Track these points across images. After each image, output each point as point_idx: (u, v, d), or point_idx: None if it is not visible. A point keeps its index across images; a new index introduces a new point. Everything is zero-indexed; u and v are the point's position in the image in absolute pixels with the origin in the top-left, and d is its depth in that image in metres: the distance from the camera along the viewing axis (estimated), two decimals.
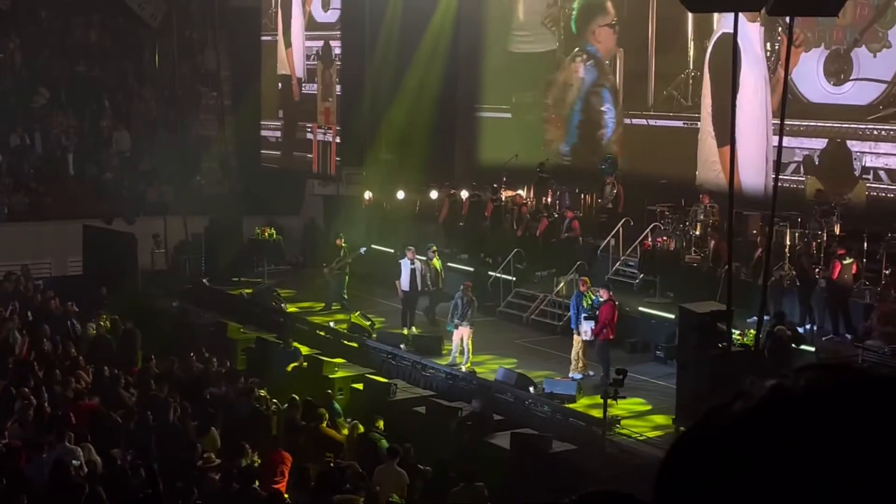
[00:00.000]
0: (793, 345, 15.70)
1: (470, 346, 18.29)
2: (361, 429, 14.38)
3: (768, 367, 15.51)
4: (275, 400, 15.67)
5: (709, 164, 22.73)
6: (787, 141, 20.93)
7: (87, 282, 23.57)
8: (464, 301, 18.40)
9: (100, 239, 24.84)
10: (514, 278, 21.92)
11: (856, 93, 20.42)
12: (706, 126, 22.85)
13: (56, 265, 25.99)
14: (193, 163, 29.39)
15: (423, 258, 20.80)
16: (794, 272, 18.61)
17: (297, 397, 15.32)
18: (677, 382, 15.75)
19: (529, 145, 25.89)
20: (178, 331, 20.64)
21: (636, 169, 23.58)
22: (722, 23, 21.46)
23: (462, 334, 18.32)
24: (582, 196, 23.72)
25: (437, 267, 20.81)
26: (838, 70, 20.64)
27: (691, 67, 23.40)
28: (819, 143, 21.06)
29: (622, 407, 15.69)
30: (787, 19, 15.52)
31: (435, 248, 21.14)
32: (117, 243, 24.19)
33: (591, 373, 17.57)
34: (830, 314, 17.98)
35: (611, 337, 17.31)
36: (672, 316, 17.92)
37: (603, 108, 25.42)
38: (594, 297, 17.62)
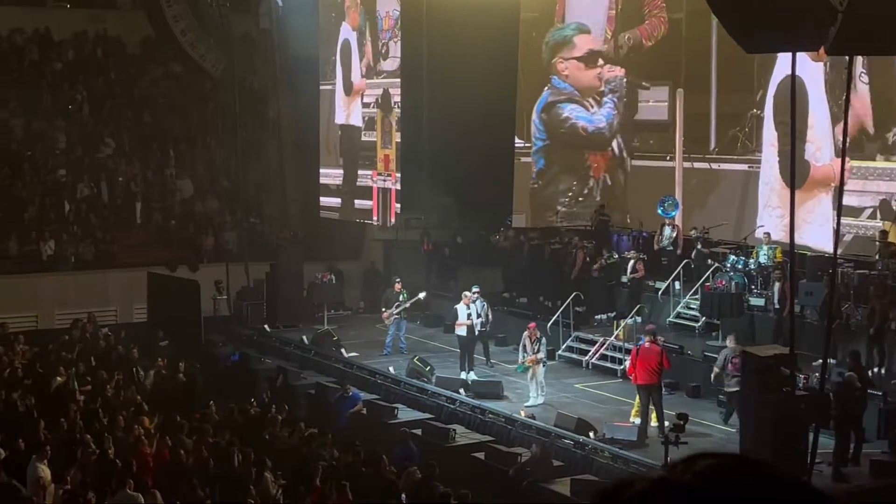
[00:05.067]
0: (858, 390, 15.32)
1: (543, 381, 18.56)
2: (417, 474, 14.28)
3: (833, 412, 15.22)
4: (324, 445, 15.64)
5: (767, 211, 22.36)
6: (861, 184, 20.62)
7: (152, 329, 23.87)
8: (531, 341, 18.46)
9: (164, 286, 25.16)
10: (573, 322, 21.78)
11: None
12: (769, 169, 22.44)
13: (122, 312, 26.37)
14: (255, 210, 29.74)
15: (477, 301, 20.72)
16: (859, 315, 18.27)
17: (356, 443, 15.32)
18: (740, 427, 15.49)
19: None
20: (238, 377, 20.78)
21: (696, 211, 23.38)
22: (783, 62, 21.16)
23: (535, 371, 18.38)
24: (641, 238, 23.55)
25: (478, 309, 20.50)
26: None
27: (755, 109, 23.05)
28: None
29: (684, 452, 15.42)
30: (848, 59, 15.38)
31: (477, 289, 20.87)
32: (181, 290, 24.48)
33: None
34: None
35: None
36: None
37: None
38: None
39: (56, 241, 26.50)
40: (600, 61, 25.33)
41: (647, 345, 16.97)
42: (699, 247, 21.86)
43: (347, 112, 29.37)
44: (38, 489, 13.33)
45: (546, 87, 26.02)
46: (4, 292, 25.01)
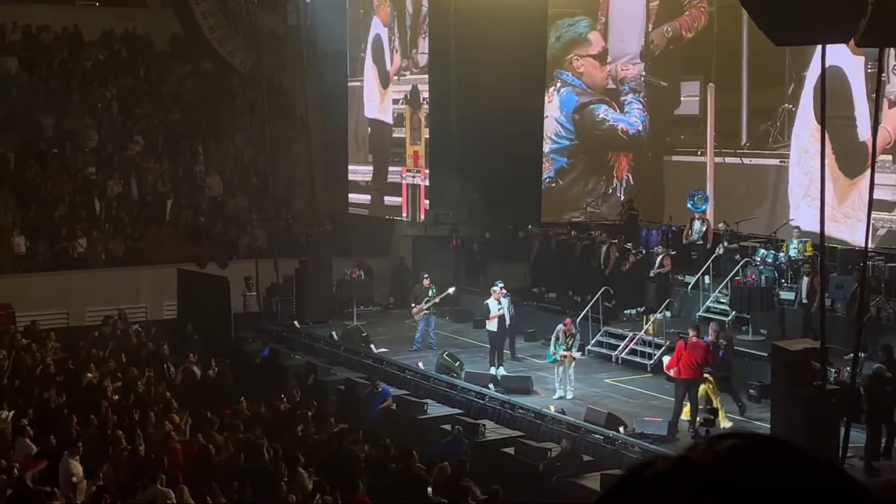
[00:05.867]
0: (890, 384, 15.19)
1: (571, 375, 18.55)
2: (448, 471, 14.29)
3: (864, 406, 15.11)
4: (355, 441, 15.66)
5: (806, 201, 22.11)
6: (894, 179, 20.39)
7: (182, 325, 24.00)
8: (565, 335, 18.51)
9: (194, 283, 25.27)
10: (602, 316, 21.72)
11: None
12: (808, 160, 22.14)
13: (152, 309, 26.51)
14: (284, 206, 29.83)
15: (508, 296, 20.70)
16: (890, 308, 18.11)
17: (386, 440, 15.33)
18: (771, 422, 15.40)
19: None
20: (268, 373, 20.86)
21: (726, 205, 23.23)
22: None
23: (564, 364, 18.40)
24: (670, 232, 23.43)
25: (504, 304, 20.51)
26: None
27: (787, 104, 22.78)
28: None
29: None
30: (878, 50, 15.22)
31: (502, 284, 20.79)
32: (210, 287, 24.59)
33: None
34: None
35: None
36: (765, 354, 17.56)
37: None
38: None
39: (87, 239, 26.68)
40: (610, 59, 25.25)
41: (693, 339, 16.87)
42: (726, 243, 21.69)
43: (381, 106, 29.32)
44: (71, 485, 13.44)
45: (558, 83, 25.95)
46: (36, 290, 25.22)
